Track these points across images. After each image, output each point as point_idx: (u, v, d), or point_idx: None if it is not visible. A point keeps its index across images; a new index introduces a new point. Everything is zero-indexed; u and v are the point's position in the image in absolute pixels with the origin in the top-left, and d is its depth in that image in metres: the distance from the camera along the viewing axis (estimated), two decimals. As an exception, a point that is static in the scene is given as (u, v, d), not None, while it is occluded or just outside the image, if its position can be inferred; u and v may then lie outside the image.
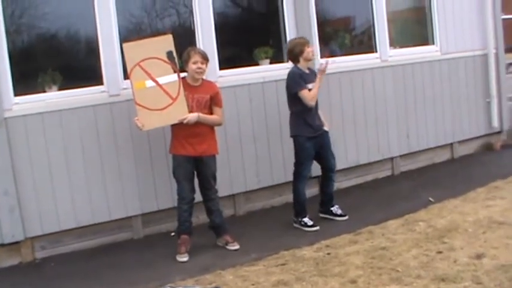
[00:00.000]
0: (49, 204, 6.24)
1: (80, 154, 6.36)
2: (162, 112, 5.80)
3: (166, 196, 6.64)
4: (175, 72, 5.85)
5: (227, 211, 7.25)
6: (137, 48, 5.84)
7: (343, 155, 8.01)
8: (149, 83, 5.80)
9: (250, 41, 6.84)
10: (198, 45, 6.99)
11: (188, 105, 5.84)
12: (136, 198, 6.63)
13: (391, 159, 8.68)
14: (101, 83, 6.48)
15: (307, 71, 6.58)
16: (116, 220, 6.62)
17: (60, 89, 6.40)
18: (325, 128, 6.76)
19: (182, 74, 5.94)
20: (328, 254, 5.62)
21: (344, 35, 8.48)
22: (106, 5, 6.45)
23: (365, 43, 8.73)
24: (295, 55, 6.55)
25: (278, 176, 7.18)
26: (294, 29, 7.61)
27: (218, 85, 6.63)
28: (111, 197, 6.52)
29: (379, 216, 6.55)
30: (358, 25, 9.03)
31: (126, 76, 6.22)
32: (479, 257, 5.08)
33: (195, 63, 5.88)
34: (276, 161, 7.07)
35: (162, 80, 5.81)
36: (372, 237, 5.99)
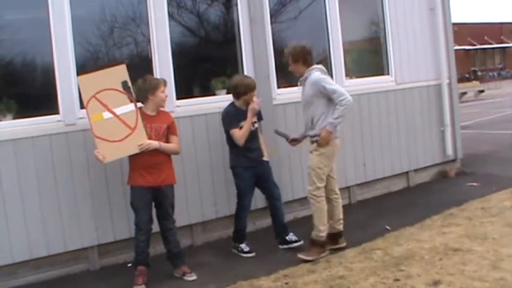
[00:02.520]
0: (2, 235, 6.11)
1: (34, 184, 6.26)
2: (122, 143, 5.74)
3: (123, 226, 6.57)
4: (131, 101, 5.81)
5: (184, 241, 7.19)
6: (92, 81, 5.79)
7: (300, 184, 8.03)
8: (106, 115, 5.74)
9: (208, 71, 6.87)
10: (155, 75, 6.98)
11: (147, 134, 5.81)
12: (92, 229, 6.53)
13: (348, 188, 8.74)
14: (57, 112, 6.40)
15: (244, 108, 6.66)
16: (72, 251, 6.50)
17: (15, 117, 6.31)
18: (265, 158, 6.87)
19: (138, 104, 5.91)
20: (286, 283, 5.61)
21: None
22: (63, 33, 6.41)
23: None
24: (237, 93, 6.66)
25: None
26: (251, 59, 7.67)
27: (175, 115, 6.68)
28: (67, 228, 6.41)
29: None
30: (315, 55, 9.05)
31: (82, 105, 6.15)
32: (436, 284, 5.14)
33: (163, 91, 5.95)
34: (233, 191, 7.04)
35: (119, 111, 5.76)
36: (329, 266, 6.00)
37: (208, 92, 7.54)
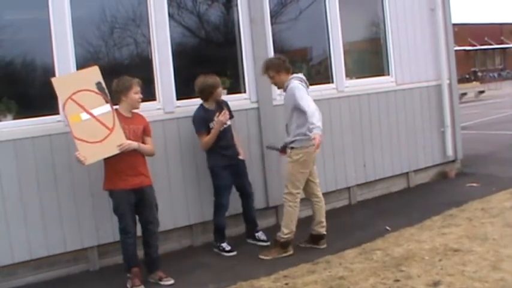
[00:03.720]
0: (2, 235, 6.10)
1: (34, 184, 6.26)
2: (102, 144, 5.68)
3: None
4: (107, 102, 5.77)
5: (184, 241, 7.23)
6: (66, 82, 5.77)
7: (301, 185, 8.05)
8: (84, 116, 5.69)
9: (208, 72, 6.85)
10: (155, 75, 7.00)
11: (126, 135, 5.78)
12: (92, 229, 6.53)
13: (348, 188, 8.75)
14: (57, 113, 6.39)
15: (212, 107, 6.79)
16: (72, 252, 6.50)
17: (15, 118, 6.31)
18: (241, 157, 6.99)
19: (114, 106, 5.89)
20: (286, 284, 5.61)
21: (301, 65, 8.58)
22: (63, 33, 6.41)
23: (322, 74, 8.83)
24: (205, 96, 6.78)
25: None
26: (251, 59, 7.68)
27: (175, 115, 6.71)
28: (67, 228, 6.41)
29: (336, 245, 6.57)
30: (315, 56, 9.15)
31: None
32: (435, 284, 5.14)
33: (136, 93, 5.91)
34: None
35: (96, 112, 5.71)
36: (329, 266, 6.00)
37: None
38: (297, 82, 6.44)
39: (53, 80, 5.77)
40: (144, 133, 6.02)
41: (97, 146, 5.68)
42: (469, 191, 8.85)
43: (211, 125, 6.69)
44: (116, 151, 5.71)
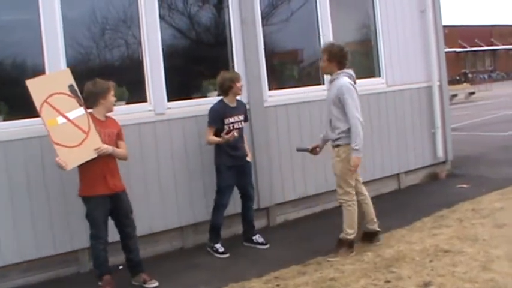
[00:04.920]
0: (-8, 238, 6.08)
1: (24, 185, 6.23)
2: (80, 148, 5.59)
3: (114, 229, 6.52)
4: (81, 105, 5.67)
5: (175, 243, 7.21)
6: (40, 85, 5.62)
7: (291, 187, 8.08)
8: (60, 119, 5.56)
9: (199, 73, 6.86)
10: (146, 77, 6.98)
11: (101, 138, 5.70)
12: (82, 231, 6.47)
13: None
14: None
15: (233, 104, 6.80)
16: (62, 254, 6.48)
17: (5, 119, 6.29)
18: (248, 159, 6.99)
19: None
20: (278, 285, 5.62)
21: (292, 67, 8.59)
22: (54, 35, 6.38)
23: (312, 75, 8.84)
24: (224, 90, 6.75)
25: (231, 207, 7.13)
26: (242, 60, 7.68)
27: (166, 117, 6.70)
28: (57, 230, 6.39)
29: (327, 246, 6.56)
30: (306, 57, 9.16)
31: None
32: (426, 285, 5.16)
33: (113, 95, 5.86)
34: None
35: (71, 115, 5.61)
36: (320, 268, 6.00)
37: (199, 93, 7.54)
38: (347, 81, 6.32)
39: (28, 82, 5.59)
40: (117, 137, 5.94)
41: (76, 150, 5.58)
42: (460, 192, 8.88)
43: (226, 121, 6.67)
44: (94, 155, 5.62)
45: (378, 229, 6.71)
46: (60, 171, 6.12)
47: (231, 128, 6.66)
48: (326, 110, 6.59)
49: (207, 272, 6.33)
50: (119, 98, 6.82)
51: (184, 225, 7.25)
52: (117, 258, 6.27)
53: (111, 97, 5.84)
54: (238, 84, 6.76)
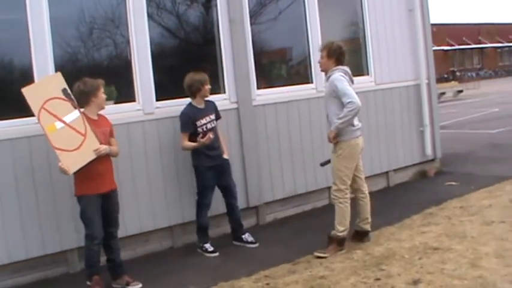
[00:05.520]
0: (-20, 239, 6.04)
1: (13, 186, 6.20)
2: (79, 151, 5.59)
3: (103, 228, 6.53)
4: (75, 108, 5.67)
5: (165, 243, 7.20)
6: (36, 91, 5.62)
7: (280, 185, 8.09)
8: (58, 125, 5.57)
9: (187, 72, 6.83)
10: (134, 76, 6.97)
11: (98, 138, 5.72)
12: (72, 232, 6.47)
13: (329, 188, 8.72)
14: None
15: (202, 106, 6.81)
16: (51, 254, 6.45)
17: (-7, 119, 6.24)
18: (225, 156, 6.98)
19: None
20: (267, 284, 5.62)
21: (280, 65, 8.59)
22: (41, 34, 6.35)
23: (301, 74, 8.84)
24: (192, 92, 6.76)
25: (218, 207, 7.13)
26: (231, 60, 7.68)
27: (154, 116, 6.71)
28: (46, 231, 6.35)
29: (317, 245, 6.56)
30: (295, 56, 9.16)
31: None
32: (416, 282, 5.17)
33: (103, 92, 5.85)
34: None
35: (68, 119, 5.61)
36: (310, 266, 6.01)
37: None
38: (339, 74, 6.37)
39: (24, 90, 5.58)
40: (109, 134, 5.96)
41: (76, 154, 5.59)
42: (448, 190, 8.91)
43: (198, 123, 6.67)
44: (93, 156, 5.64)
45: (369, 229, 6.72)
46: (50, 171, 6.13)
47: (204, 129, 6.67)
48: (323, 106, 6.66)
49: (197, 271, 6.32)
50: (108, 98, 6.81)
51: (173, 224, 7.23)
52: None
53: (102, 94, 5.84)
54: (206, 87, 6.76)
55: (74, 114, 5.66)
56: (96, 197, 5.72)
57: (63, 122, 5.60)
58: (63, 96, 5.65)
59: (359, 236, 6.73)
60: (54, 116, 5.58)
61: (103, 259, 6.01)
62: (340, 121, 6.23)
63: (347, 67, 6.57)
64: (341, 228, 6.42)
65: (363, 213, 6.71)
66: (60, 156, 5.55)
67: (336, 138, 6.37)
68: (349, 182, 6.47)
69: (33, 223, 6.30)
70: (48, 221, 6.38)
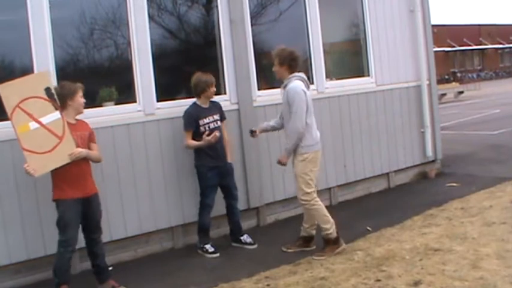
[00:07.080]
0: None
1: (13, 187, 6.19)
2: (51, 153, 5.43)
3: (104, 230, 6.45)
4: (57, 109, 5.49)
5: (165, 244, 7.19)
6: (13, 89, 5.42)
7: (281, 186, 8.08)
8: (33, 125, 5.39)
9: (188, 73, 6.83)
10: (135, 77, 6.96)
11: (75, 142, 5.57)
12: (72, 232, 6.47)
13: (329, 189, 8.76)
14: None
15: (206, 106, 6.85)
16: (52, 255, 6.38)
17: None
18: (228, 160, 6.99)
19: None
20: (268, 285, 5.61)
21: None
22: (42, 35, 6.34)
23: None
24: (198, 92, 6.79)
25: (218, 208, 7.12)
26: (232, 60, 7.68)
27: (155, 117, 6.69)
28: (46, 232, 6.31)
29: (317, 246, 6.57)
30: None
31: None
32: (416, 284, 5.17)
33: (81, 96, 5.70)
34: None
35: (45, 120, 5.42)
36: (311, 267, 6.01)
37: (188, 94, 7.50)
38: (298, 85, 6.33)
39: (0, 87, 5.41)
40: (89, 139, 5.82)
41: (46, 156, 5.43)
42: (449, 191, 8.91)
43: (200, 122, 6.70)
44: (67, 160, 5.47)
45: (313, 234, 6.73)
46: (49, 172, 6.10)
47: (207, 128, 6.69)
48: (281, 112, 6.69)
49: (198, 272, 6.31)
50: (108, 99, 6.83)
51: (174, 225, 7.23)
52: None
53: (80, 98, 5.68)
54: (212, 89, 6.81)
55: (53, 116, 5.49)
56: (74, 202, 5.56)
57: (39, 122, 5.43)
58: (45, 96, 5.48)
59: (306, 241, 6.72)
60: (30, 115, 5.40)
61: (87, 264, 5.99)
62: (290, 146, 6.37)
63: (302, 73, 6.55)
64: (327, 226, 6.41)
65: (311, 219, 6.68)
66: (28, 157, 5.37)
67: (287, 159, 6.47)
68: (314, 185, 6.45)
69: (34, 224, 6.29)
70: (48, 222, 6.34)
